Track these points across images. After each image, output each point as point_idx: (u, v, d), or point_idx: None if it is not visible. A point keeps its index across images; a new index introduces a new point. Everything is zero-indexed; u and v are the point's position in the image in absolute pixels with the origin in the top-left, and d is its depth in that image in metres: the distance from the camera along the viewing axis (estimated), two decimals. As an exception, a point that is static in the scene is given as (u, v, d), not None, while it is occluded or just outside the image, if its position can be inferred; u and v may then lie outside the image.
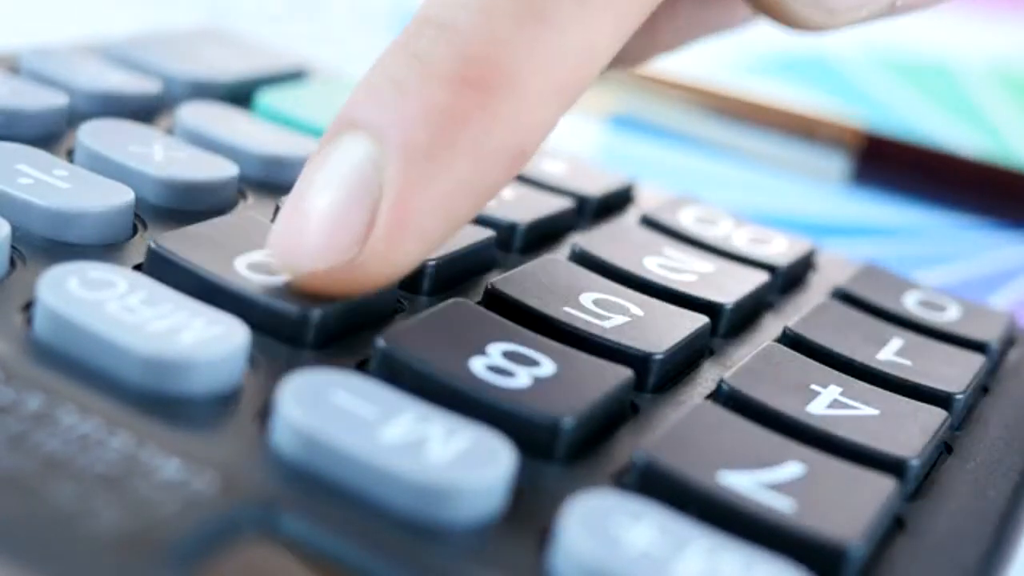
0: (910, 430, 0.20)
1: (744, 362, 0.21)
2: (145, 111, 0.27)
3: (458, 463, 0.16)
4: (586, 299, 0.21)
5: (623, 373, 0.19)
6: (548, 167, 0.28)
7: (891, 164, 0.40)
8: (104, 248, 0.21)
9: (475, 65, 0.18)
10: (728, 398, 0.20)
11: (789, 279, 0.26)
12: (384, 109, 0.18)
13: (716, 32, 0.31)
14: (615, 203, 0.28)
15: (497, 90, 0.18)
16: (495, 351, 0.19)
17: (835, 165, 0.40)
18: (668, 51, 0.30)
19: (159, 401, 0.16)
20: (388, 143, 0.18)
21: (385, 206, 0.18)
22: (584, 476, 0.17)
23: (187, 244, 0.20)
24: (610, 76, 0.40)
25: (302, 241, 0.18)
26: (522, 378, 0.18)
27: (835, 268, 0.27)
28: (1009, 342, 0.25)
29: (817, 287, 0.26)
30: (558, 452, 0.17)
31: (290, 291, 0.19)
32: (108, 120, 0.24)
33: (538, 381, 0.18)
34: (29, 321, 0.18)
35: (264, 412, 0.17)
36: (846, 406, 0.20)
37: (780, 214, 0.38)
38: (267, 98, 0.28)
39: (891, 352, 0.23)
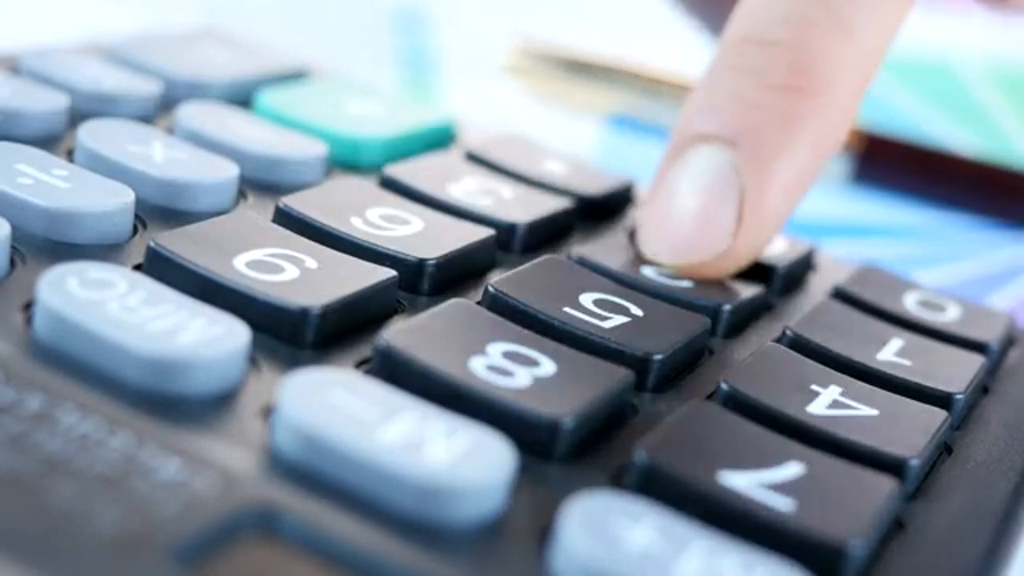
0: (910, 430, 0.20)
1: (744, 362, 0.21)
2: (145, 111, 0.27)
3: (458, 463, 0.16)
4: (586, 299, 0.21)
5: (623, 373, 0.19)
6: (548, 167, 0.28)
7: (891, 164, 0.40)
8: (104, 248, 0.21)
9: (801, 73, 0.23)
10: (728, 398, 0.20)
11: (789, 279, 0.26)
12: (732, 119, 0.22)
13: None
14: (615, 203, 0.28)
15: (821, 92, 0.23)
16: (495, 351, 0.19)
17: (835, 165, 0.40)
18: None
19: (159, 401, 0.16)
20: (743, 148, 0.22)
21: (749, 202, 0.22)
22: (584, 476, 0.17)
23: (187, 243, 0.20)
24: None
25: (684, 240, 0.23)
26: (522, 378, 0.18)
27: (835, 268, 0.27)
28: (1009, 342, 0.25)
29: (817, 287, 0.26)
30: (558, 452, 0.17)
31: (290, 288, 0.19)
32: (108, 120, 0.24)
33: (538, 381, 0.18)
34: (29, 321, 0.18)
35: (264, 412, 0.17)
36: (846, 406, 0.20)
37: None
38: (267, 98, 0.28)
39: (891, 352, 0.23)
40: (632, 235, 0.25)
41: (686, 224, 0.23)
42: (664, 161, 0.23)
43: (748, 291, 0.24)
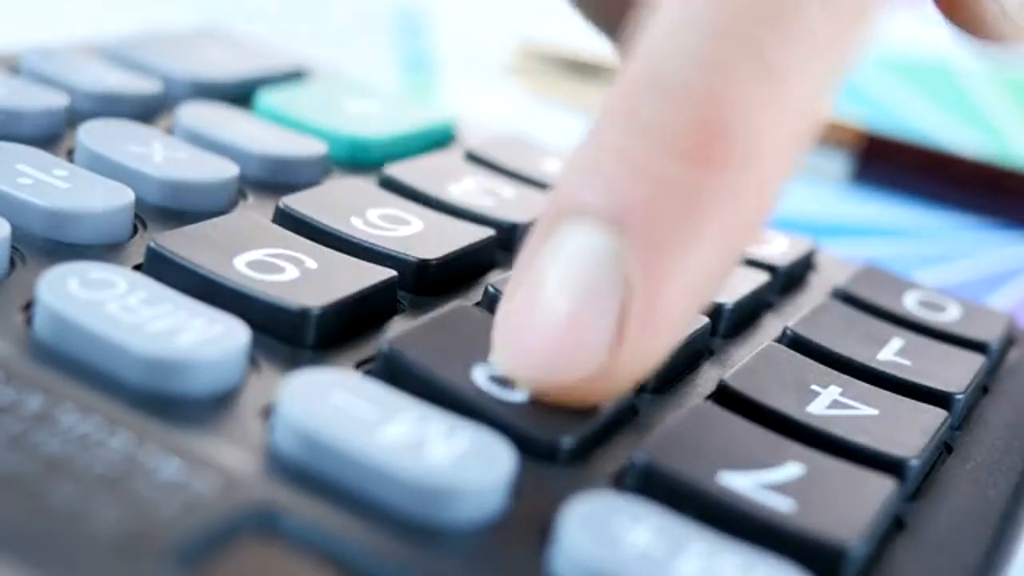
0: (910, 430, 0.20)
1: (744, 362, 0.21)
2: (145, 111, 0.27)
3: (458, 463, 0.16)
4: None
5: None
6: (548, 167, 0.28)
7: (891, 164, 0.40)
8: (104, 248, 0.21)
9: (713, 136, 0.16)
10: (728, 398, 0.20)
11: (789, 279, 0.26)
12: (615, 192, 0.16)
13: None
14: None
15: (739, 165, 0.17)
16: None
17: (835, 165, 0.40)
18: None
19: (159, 401, 0.16)
20: (629, 233, 0.16)
21: (636, 306, 0.16)
22: (584, 477, 0.17)
23: (186, 243, 0.20)
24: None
25: (543, 349, 0.17)
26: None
27: (835, 268, 0.27)
28: (1009, 342, 0.25)
29: (817, 287, 0.26)
30: (559, 456, 0.17)
31: (290, 287, 0.19)
32: (108, 120, 0.24)
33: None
34: (29, 321, 0.18)
35: (264, 412, 0.17)
36: (846, 406, 0.20)
37: (780, 214, 0.38)
38: (267, 98, 0.28)
39: (891, 352, 0.23)
40: None
41: (549, 331, 0.17)
42: (532, 239, 0.17)
43: (748, 287, 0.24)
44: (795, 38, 0.17)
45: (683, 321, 0.17)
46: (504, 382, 0.18)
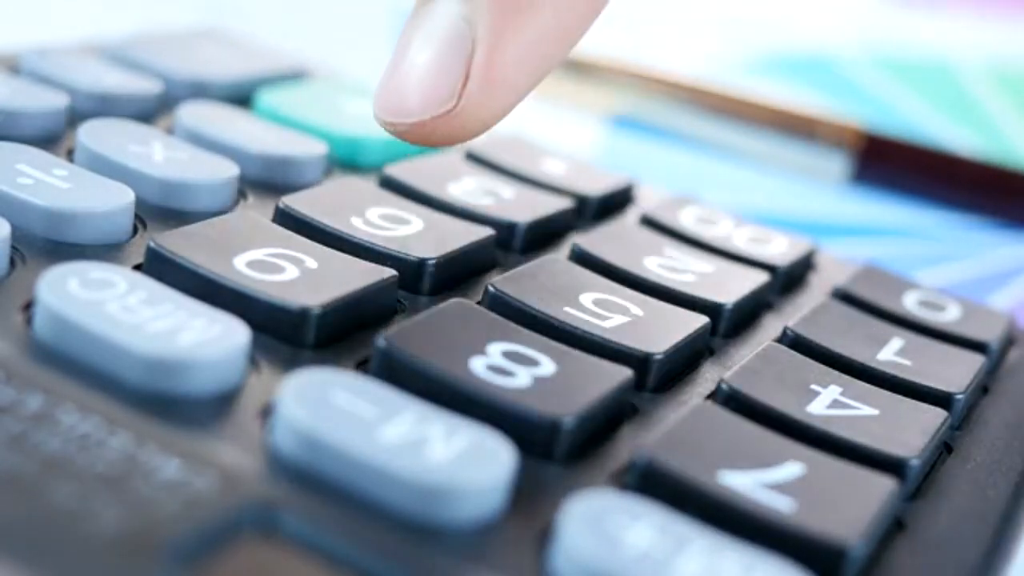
0: (910, 430, 0.20)
1: (744, 362, 0.21)
2: (145, 111, 0.27)
3: (458, 463, 0.16)
4: (586, 299, 0.21)
5: (623, 373, 0.19)
6: (548, 167, 0.28)
7: (891, 164, 0.40)
8: (104, 248, 0.21)
9: None
10: (728, 398, 0.20)
11: (789, 279, 0.26)
12: None
13: None
14: (615, 203, 0.28)
15: None
16: (495, 351, 0.19)
17: (835, 165, 0.40)
18: None
19: (159, 401, 0.16)
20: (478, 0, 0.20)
21: (478, 58, 0.20)
22: (584, 476, 0.17)
23: (186, 243, 0.20)
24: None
25: (404, 96, 0.20)
26: (522, 378, 0.18)
27: (835, 268, 0.27)
28: (1009, 342, 0.25)
29: (817, 287, 0.26)
30: (558, 452, 0.17)
31: (291, 288, 0.19)
32: (108, 120, 0.24)
33: (538, 381, 0.18)
34: (29, 321, 0.18)
35: (264, 412, 0.17)
36: (846, 406, 0.20)
37: (780, 214, 0.38)
38: (267, 98, 0.28)
39: (891, 352, 0.23)
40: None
41: (410, 80, 0.20)
42: (408, 17, 0.21)
43: (748, 287, 0.24)
44: None
45: (522, 76, 0.20)
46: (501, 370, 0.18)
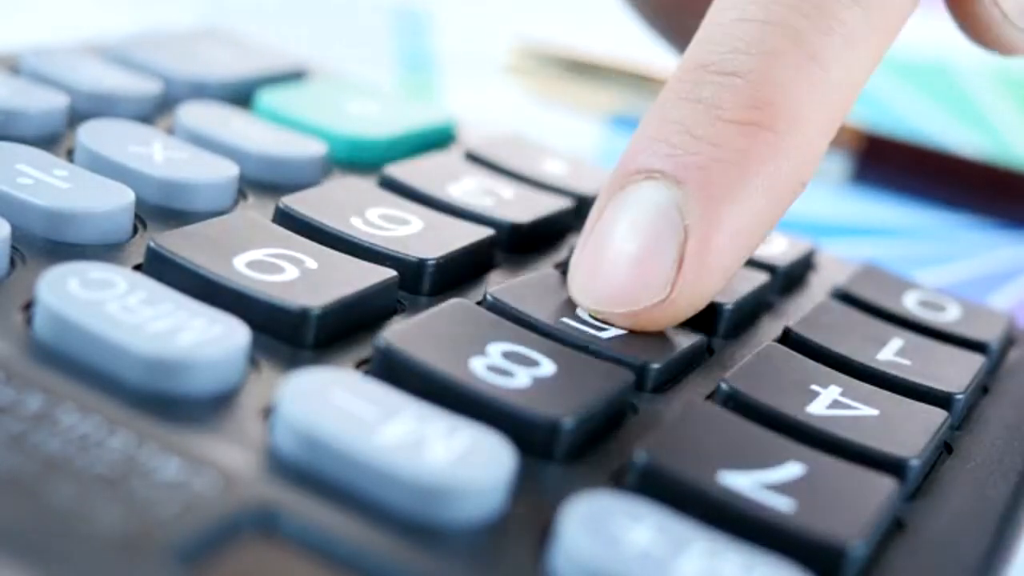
0: (910, 430, 0.20)
1: (744, 362, 0.21)
2: (145, 111, 0.27)
3: (458, 463, 0.16)
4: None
5: (623, 374, 0.19)
6: (548, 167, 0.28)
7: (891, 164, 0.40)
8: (104, 248, 0.21)
9: (761, 108, 0.20)
10: (728, 398, 0.20)
11: (789, 279, 0.26)
12: (678, 155, 0.20)
13: None
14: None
15: (783, 130, 0.20)
16: (495, 351, 0.19)
17: (835, 165, 0.40)
18: None
19: (159, 401, 0.16)
20: (689, 186, 0.20)
21: (692, 248, 0.20)
22: (584, 476, 0.17)
23: (186, 243, 0.20)
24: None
25: (616, 285, 0.20)
26: (522, 378, 0.18)
27: (835, 268, 0.27)
28: (1009, 342, 0.25)
29: (817, 287, 0.26)
30: (558, 452, 0.17)
31: (290, 288, 0.19)
32: (108, 120, 0.24)
33: (538, 381, 0.18)
34: (29, 321, 0.18)
35: (264, 412, 0.17)
36: (846, 406, 0.20)
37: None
38: (267, 98, 0.28)
39: (891, 352, 0.23)
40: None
41: (620, 269, 0.20)
42: (601, 197, 0.21)
43: (748, 287, 0.24)
44: (833, 30, 0.20)
45: (733, 261, 0.20)
46: (506, 369, 0.18)
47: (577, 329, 0.20)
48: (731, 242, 0.20)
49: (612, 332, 0.21)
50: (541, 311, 0.21)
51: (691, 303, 0.20)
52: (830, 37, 0.20)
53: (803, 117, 0.20)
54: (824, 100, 0.20)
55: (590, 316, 0.21)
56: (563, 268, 0.24)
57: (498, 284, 0.21)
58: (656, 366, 0.20)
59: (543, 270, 0.23)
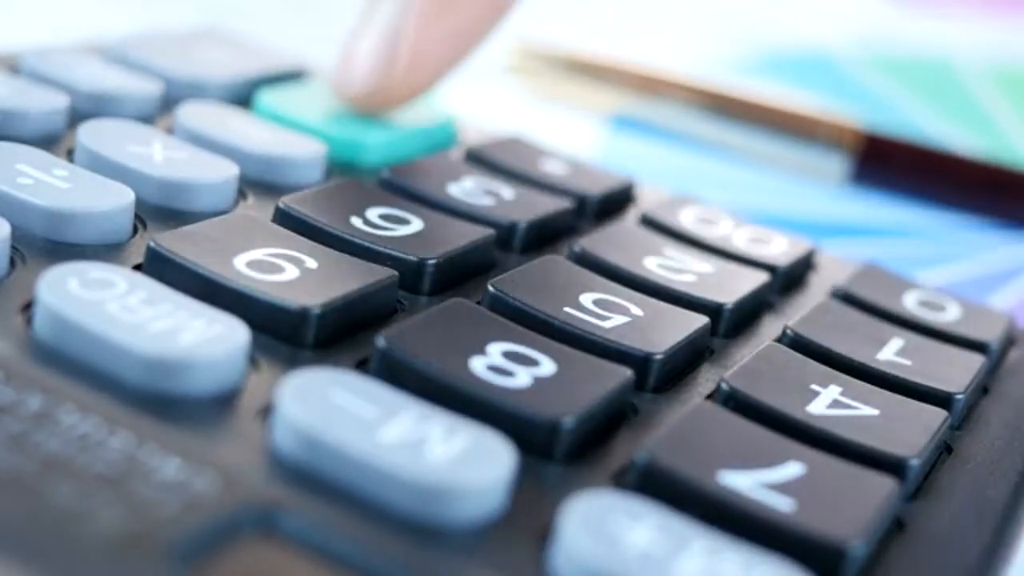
0: (910, 430, 0.20)
1: (744, 362, 0.21)
2: (145, 111, 0.27)
3: (458, 463, 0.16)
4: (586, 299, 0.21)
5: (623, 373, 0.19)
6: (548, 167, 0.28)
7: (891, 164, 0.40)
8: (104, 248, 0.21)
9: None
10: (728, 398, 0.20)
11: (789, 279, 0.26)
12: None
13: None
14: (615, 203, 0.28)
15: None
16: (495, 351, 0.19)
17: (835, 165, 0.40)
18: None
19: (159, 401, 0.16)
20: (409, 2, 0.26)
21: (403, 45, 0.26)
22: (584, 476, 0.17)
23: (187, 244, 0.20)
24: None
25: (350, 73, 0.27)
26: (522, 378, 0.18)
27: (835, 268, 0.27)
28: (1009, 342, 0.25)
29: (817, 287, 0.26)
30: (558, 452, 0.17)
31: (290, 288, 0.19)
32: (108, 120, 0.24)
33: (538, 381, 0.18)
34: (29, 321, 0.18)
35: (264, 412, 0.17)
36: (846, 406, 0.20)
37: (780, 214, 0.38)
38: (267, 98, 0.28)
39: (891, 352, 0.23)
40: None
41: (355, 62, 0.27)
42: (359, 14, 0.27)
43: (748, 287, 0.24)
44: None
45: (437, 63, 0.27)
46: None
47: (579, 319, 0.20)
48: (434, 44, 0.27)
49: (614, 322, 0.21)
50: (542, 302, 0.21)
51: (404, 90, 0.27)
52: None
53: None
54: None
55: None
56: (567, 255, 0.24)
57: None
58: (659, 356, 0.20)
59: (544, 258, 0.23)
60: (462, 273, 0.22)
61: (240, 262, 0.20)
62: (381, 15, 0.26)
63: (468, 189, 0.26)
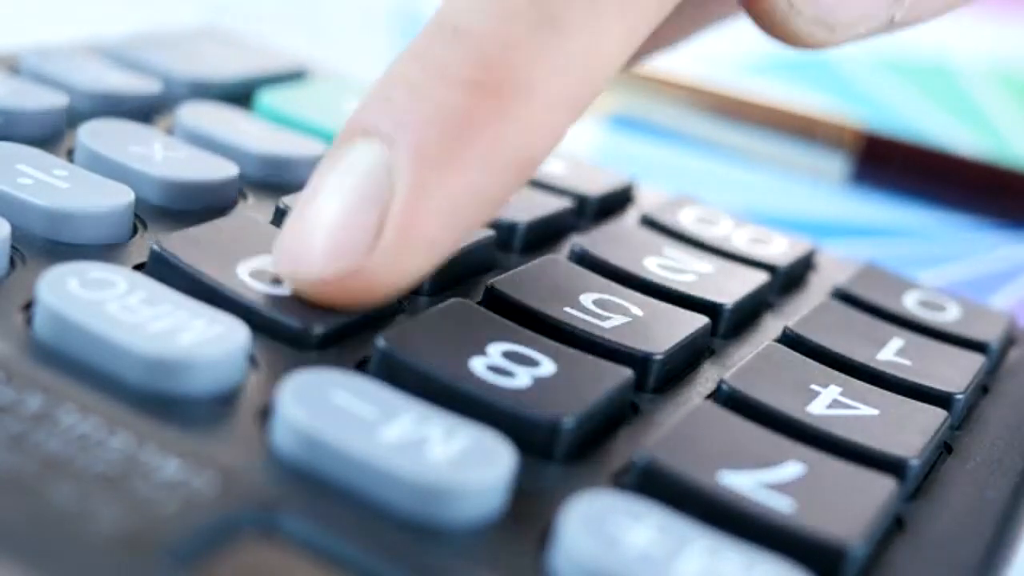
0: (910, 430, 0.20)
1: (744, 362, 0.21)
2: (145, 111, 0.27)
3: (458, 463, 0.16)
4: (586, 299, 0.21)
5: (623, 373, 0.19)
6: (548, 167, 0.28)
7: (891, 164, 0.40)
8: (104, 248, 0.21)
9: (488, 68, 0.18)
10: (728, 398, 0.20)
11: (789, 279, 0.26)
12: (396, 112, 0.18)
13: (714, 25, 0.31)
14: (615, 203, 0.28)
15: (510, 95, 0.18)
16: (495, 351, 0.19)
17: (835, 165, 0.40)
18: (668, 48, 0.30)
19: (159, 401, 0.16)
20: (399, 146, 0.18)
21: (394, 211, 0.18)
22: (584, 476, 0.17)
23: (190, 247, 0.20)
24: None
25: (308, 248, 0.18)
26: (522, 378, 0.18)
27: (835, 268, 0.27)
28: (1009, 342, 0.25)
29: (817, 287, 0.26)
30: (558, 452, 0.17)
31: (295, 302, 0.19)
32: (108, 120, 0.24)
33: (538, 381, 0.18)
34: (29, 321, 0.18)
35: (264, 412, 0.17)
36: (846, 406, 0.20)
37: (780, 214, 0.38)
38: (267, 98, 0.28)
39: (891, 352, 0.23)
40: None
41: (315, 232, 0.18)
42: (323, 159, 0.19)
43: (748, 287, 0.24)
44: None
45: (443, 235, 0.18)
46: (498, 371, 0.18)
47: (579, 319, 0.20)
48: (439, 212, 0.18)
49: (614, 322, 0.21)
50: (542, 302, 0.21)
51: (390, 277, 0.18)
52: (575, 3, 0.18)
53: (534, 84, 0.18)
54: (561, 69, 0.18)
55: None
56: (567, 255, 0.24)
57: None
58: (659, 356, 0.20)
59: (544, 258, 0.23)
60: (462, 273, 0.22)
61: (243, 270, 0.20)
62: (353, 165, 0.18)
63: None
